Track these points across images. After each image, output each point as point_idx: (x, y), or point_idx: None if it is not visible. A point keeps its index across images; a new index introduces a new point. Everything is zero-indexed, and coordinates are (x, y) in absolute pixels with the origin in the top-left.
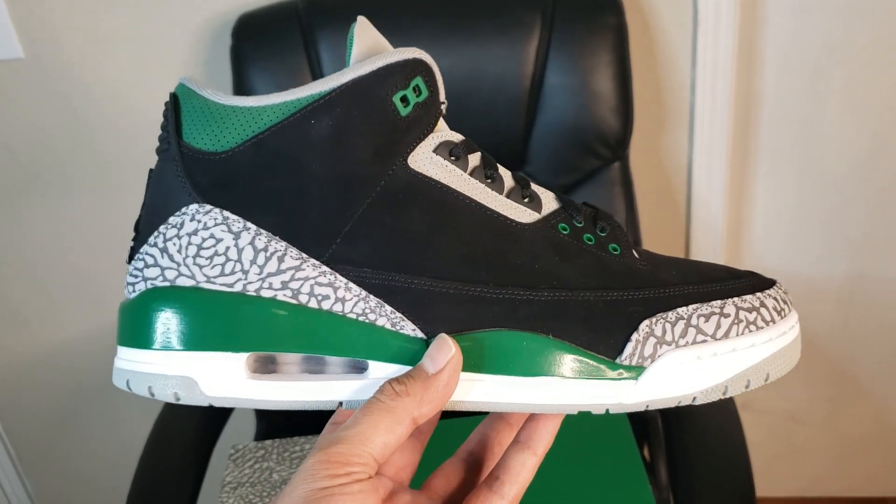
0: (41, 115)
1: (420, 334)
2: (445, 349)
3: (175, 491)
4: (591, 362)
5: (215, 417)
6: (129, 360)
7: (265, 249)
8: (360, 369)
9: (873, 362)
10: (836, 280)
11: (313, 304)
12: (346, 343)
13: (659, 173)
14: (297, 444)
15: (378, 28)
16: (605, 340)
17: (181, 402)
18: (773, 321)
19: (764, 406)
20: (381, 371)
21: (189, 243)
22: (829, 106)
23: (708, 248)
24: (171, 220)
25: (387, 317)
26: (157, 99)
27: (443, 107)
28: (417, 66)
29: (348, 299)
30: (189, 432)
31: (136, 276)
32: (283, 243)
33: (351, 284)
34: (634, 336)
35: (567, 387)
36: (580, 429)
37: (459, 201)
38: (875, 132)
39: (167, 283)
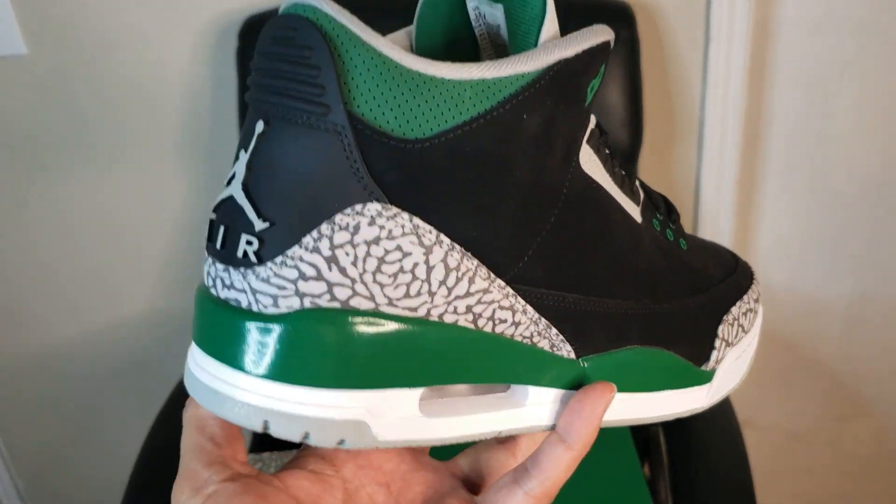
0: (42, 111)
1: (573, 355)
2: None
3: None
4: (692, 373)
5: None
6: (270, 396)
7: (457, 269)
8: (494, 392)
9: (877, 383)
10: (842, 299)
11: (489, 328)
12: (515, 369)
13: (667, 188)
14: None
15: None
16: (698, 349)
17: (343, 447)
18: (759, 310)
19: (766, 423)
20: (539, 397)
21: (368, 254)
22: (839, 124)
23: None
24: (339, 219)
25: (549, 339)
26: (160, 98)
27: None
28: (607, 50)
29: (522, 323)
30: None
31: (282, 288)
32: (475, 261)
33: (528, 307)
34: (716, 342)
35: (675, 398)
36: None
37: (613, 206)
38: (884, 152)
39: (336, 304)
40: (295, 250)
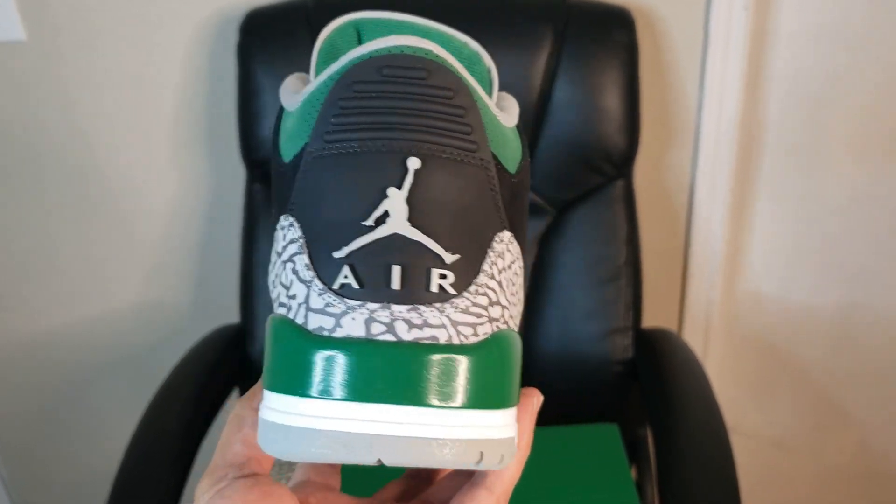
0: (38, 98)
1: None
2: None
3: (157, 497)
4: None
5: (201, 418)
6: (485, 425)
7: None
8: None
9: (860, 393)
10: (829, 309)
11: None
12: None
13: (661, 193)
14: None
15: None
16: None
17: (478, 468)
18: None
19: (750, 431)
20: None
21: (509, 279)
22: (831, 136)
23: (705, 270)
24: (495, 246)
25: None
26: (157, 90)
27: None
28: None
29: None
30: (173, 438)
31: (480, 316)
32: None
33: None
34: None
35: None
36: (574, 447)
37: None
38: (874, 164)
39: (504, 326)
40: (481, 278)
